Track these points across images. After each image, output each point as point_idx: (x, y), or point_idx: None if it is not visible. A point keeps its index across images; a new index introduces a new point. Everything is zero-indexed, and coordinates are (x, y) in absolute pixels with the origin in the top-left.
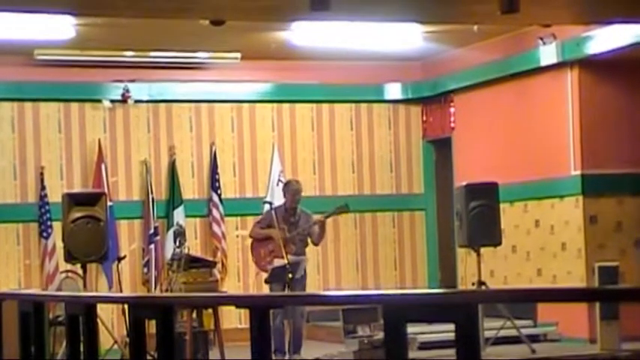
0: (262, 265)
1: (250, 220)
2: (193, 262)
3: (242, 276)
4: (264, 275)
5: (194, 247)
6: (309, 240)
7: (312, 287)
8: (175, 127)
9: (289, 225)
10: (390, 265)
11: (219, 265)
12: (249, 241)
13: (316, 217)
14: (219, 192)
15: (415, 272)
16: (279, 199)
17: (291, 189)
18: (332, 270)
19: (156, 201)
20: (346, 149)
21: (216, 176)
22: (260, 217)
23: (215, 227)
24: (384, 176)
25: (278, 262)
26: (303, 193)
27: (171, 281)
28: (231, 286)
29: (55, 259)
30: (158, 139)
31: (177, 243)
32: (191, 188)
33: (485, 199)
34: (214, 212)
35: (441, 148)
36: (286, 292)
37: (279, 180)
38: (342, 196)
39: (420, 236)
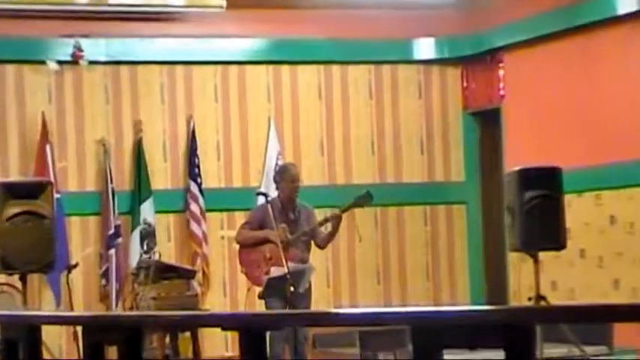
0: (256, 276)
1: (239, 217)
2: (166, 271)
3: (229, 289)
4: (259, 289)
5: (167, 251)
6: (312, 242)
7: (320, 304)
8: (142, 95)
9: (289, 223)
10: (420, 274)
11: (199, 276)
12: (231, 235)
13: (330, 212)
14: (198, 180)
15: (453, 283)
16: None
17: (288, 175)
18: (345, 281)
19: (117, 192)
20: (363, 124)
21: (195, 160)
22: (250, 213)
23: (194, 226)
24: (413, 159)
25: (276, 272)
26: (307, 182)
27: (138, 296)
28: (215, 303)
29: None
30: (119, 111)
31: (145, 247)
32: (163, 176)
33: (545, 188)
34: (193, 207)
35: (486, 123)
36: (286, 310)
37: (278, 164)
38: (359, 185)
39: (459, 237)
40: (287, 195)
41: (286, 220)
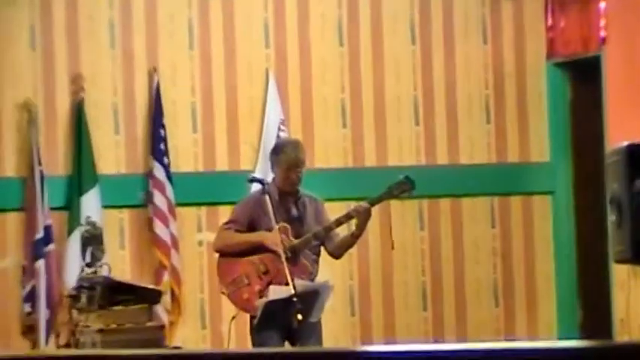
0: (244, 299)
1: (225, 214)
2: (118, 292)
3: (210, 318)
4: (251, 317)
5: (119, 264)
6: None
7: (341, 339)
8: (83, 35)
9: (291, 222)
10: (485, 295)
11: (166, 298)
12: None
13: (354, 204)
14: (166, 161)
15: (533, 309)
16: None
17: (283, 157)
18: (377, 306)
19: (47, 178)
20: (403, 80)
21: (161, 132)
22: (235, 208)
23: (159, 227)
24: (475, 131)
25: (276, 293)
26: (323, 164)
27: (78, 328)
28: (189, 337)
29: None
30: (51, 60)
31: (89, 257)
32: (113, 154)
33: None
34: (158, 199)
35: (581, 78)
36: (292, 349)
37: (279, 137)
38: (396, 168)
39: (542, 241)
40: (281, 185)
41: (287, 217)
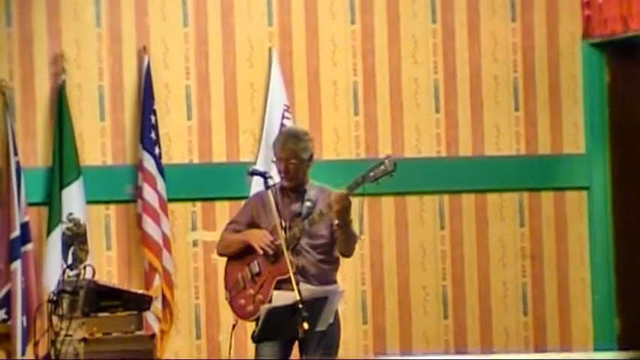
0: (240, 305)
1: (222, 211)
2: (104, 297)
3: (205, 325)
4: (251, 326)
5: (105, 266)
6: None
7: (351, 350)
8: (65, 11)
9: (294, 219)
10: (513, 302)
11: (156, 305)
12: (224, 260)
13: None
14: (157, 152)
15: (566, 315)
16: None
17: (275, 147)
18: (392, 313)
19: (25, 170)
20: (422, 62)
21: (151, 118)
22: (244, 205)
23: (149, 224)
24: (502, 119)
25: (280, 298)
26: (332, 156)
27: (59, 337)
28: (182, 348)
29: None
30: (29, 38)
31: (71, 257)
32: (98, 144)
33: None
34: (148, 194)
35: (620, 60)
36: None
37: (283, 125)
38: (414, 159)
39: (576, 241)
40: (287, 174)
41: (289, 213)
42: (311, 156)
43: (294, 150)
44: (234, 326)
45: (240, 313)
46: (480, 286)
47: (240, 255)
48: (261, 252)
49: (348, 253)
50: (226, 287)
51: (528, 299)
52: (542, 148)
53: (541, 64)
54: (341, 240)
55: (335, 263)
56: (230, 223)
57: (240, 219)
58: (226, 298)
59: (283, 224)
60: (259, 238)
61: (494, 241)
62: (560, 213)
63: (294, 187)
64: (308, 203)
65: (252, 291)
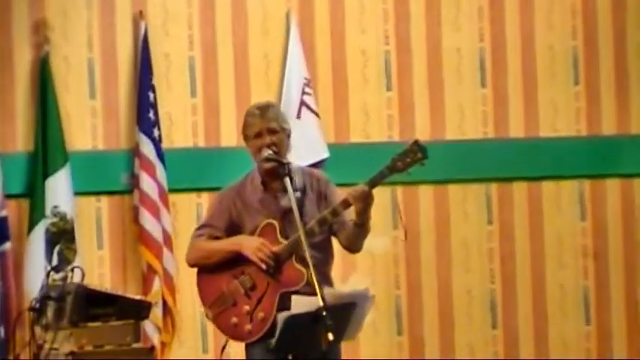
0: (231, 325)
1: None
2: (94, 303)
3: (213, 336)
4: (240, 345)
5: (96, 267)
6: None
7: None
8: None
9: (281, 217)
10: (573, 308)
11: (156, 312)
12: None
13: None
14: (155, 134)
15: (634, 323)
16: (301, 150)
17: (261, 113)
18: (432, 321)
19: (3, 157)
20: (465, 29)
21: (150, 96)
22: (211, 204)
23: (147, 219)
24: (559, 95)
25: (299, 305)
26: (358, 138)
27: (42, 350)
28: None
29: None
30: (7, 2)
31: (57, 258)
32: (89, 125)
33: None
34: (145, 183)
35: None
36: None
37: (303, 103)
38: (456, 141)
39: None
40: (258, 167)
41: (275, 209)
42: (290, 132)
43: (276, 118)
44: (224, 347)
45: (234, 334)
46: (534, 290)
47: (220, 265)
48: (263, 266)
49: (357, 249)
50: (205, 303)
51: (591, 305)
52: (607, 128)
53: (605, 31)
54: (353, 235)
55: (331, 262)
56: (202, 227)
57: (215, 222)
58: (207, 317)
59: (272, 223)
60: (256, 248)
61: (550, 237)
62: (627, 204)
63: (277, 173)
64: (297, 194)
65: (247, 307)
